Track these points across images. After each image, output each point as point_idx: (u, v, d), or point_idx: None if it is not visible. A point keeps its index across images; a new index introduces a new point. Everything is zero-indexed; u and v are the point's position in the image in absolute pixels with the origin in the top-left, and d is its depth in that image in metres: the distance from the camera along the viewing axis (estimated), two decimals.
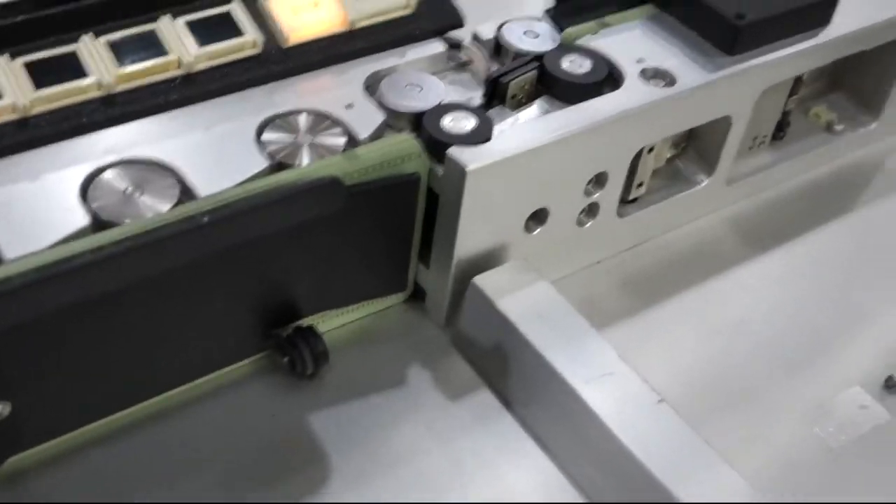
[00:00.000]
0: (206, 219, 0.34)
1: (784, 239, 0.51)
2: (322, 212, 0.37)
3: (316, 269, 0.41)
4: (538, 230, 0.44)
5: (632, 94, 0.44)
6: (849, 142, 0.55)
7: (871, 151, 0.57)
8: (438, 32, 0.45)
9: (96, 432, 0.39)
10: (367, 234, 0.41)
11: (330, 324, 0.44)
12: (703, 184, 0.49)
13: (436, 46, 0.45)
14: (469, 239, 0.42)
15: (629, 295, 0.47)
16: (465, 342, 0.44)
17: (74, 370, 0.37)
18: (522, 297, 0.42)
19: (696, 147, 0.50)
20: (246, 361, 0.42)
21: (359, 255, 0.42)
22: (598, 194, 0.45)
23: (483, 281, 0.42)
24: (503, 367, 0.42)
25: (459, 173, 0.40)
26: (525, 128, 0.42)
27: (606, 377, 0.39)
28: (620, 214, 0.47)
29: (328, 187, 0.37)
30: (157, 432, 0.40)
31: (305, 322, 0.42)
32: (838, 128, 0.55)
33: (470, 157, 0.40)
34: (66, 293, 0.33)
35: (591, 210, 0.46)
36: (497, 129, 0.42)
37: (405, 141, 0.40)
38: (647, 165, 0.47)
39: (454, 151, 0.40)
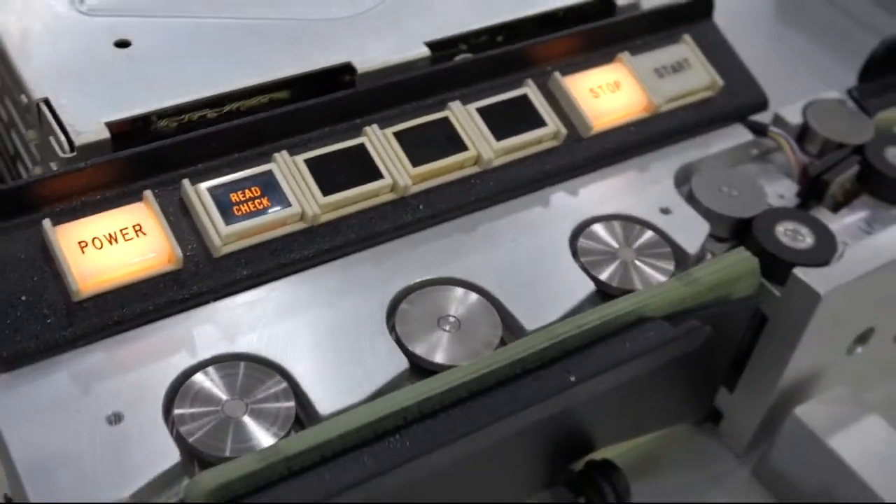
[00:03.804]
0: (572, 378, 0.28)
1: None
2: (678, 355, 0.31)
3: (624, 404, 0.35)
4: (859, 349, 0.38)
5: None
6: None
7: None
8: (741, 115, 0.39)
9: None
10: (685, 365, 0.35)
11: (615, 451, 0.38)
12: None
13: (739, 132, 0.39)
14: (798, 365, 0.36)
15: None
16: (774, 477, 0.38)
17: None
18: (855, 435, 0.36)
19: None
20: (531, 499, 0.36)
21: (670, 387, 0.36)
22: None
23: (807, 413, 0.36)
24: None
25: (809, 298, 0.34)
26: (869, 244, 0.36)
27: None
28: None
29: (694, 332, 0.31)
30: None
31: (596, 454, 0.37)
32: None
33: (821, 281, 0.34)
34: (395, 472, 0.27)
35: None
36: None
37: (745, 259, 0.34)
38: None
39: (801, 273, 0.34)
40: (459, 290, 0.32)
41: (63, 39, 0.34)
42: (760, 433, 0.38)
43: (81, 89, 0.33)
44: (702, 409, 0.38)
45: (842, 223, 0.38)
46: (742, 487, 0.38)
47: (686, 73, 0.38)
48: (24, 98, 0.33)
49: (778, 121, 0.40)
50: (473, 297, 0.32)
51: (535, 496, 0.37)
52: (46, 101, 0.32)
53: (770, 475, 0.38)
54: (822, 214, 0.38)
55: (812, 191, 0.38)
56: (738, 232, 0.36)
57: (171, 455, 0.27)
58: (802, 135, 0.40)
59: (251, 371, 0.29)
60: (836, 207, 0.38)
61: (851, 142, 0.39)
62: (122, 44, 0.35)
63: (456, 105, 0.35)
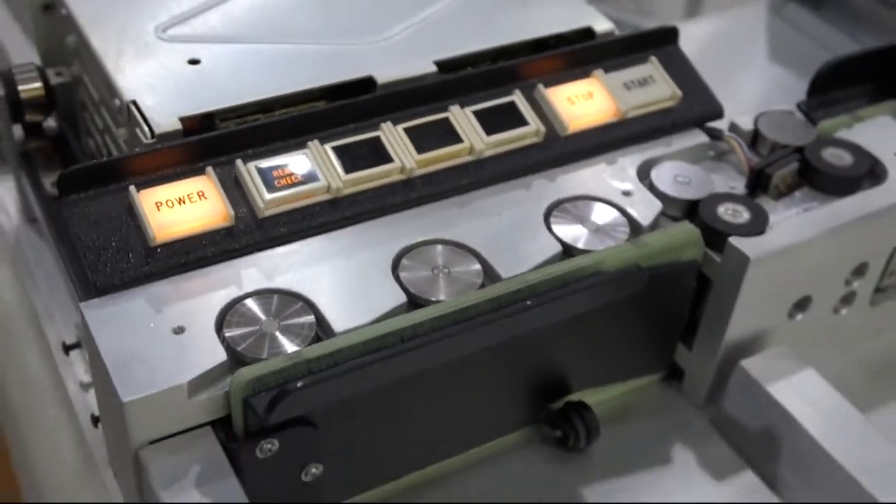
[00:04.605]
0: (528, 302, 0.36)
1: None
2: (623, 296, 0.39)
3: (592, 348, 0.43)
4: (799, 316, 0.45)
5: (894, 187, 0.45)
6: None
7: None
8: (700, 122, 0.47)
9: (383, 493, 0.41)
10: (643, 316, 0.43)
11: (590, 400, 0.45)
12: None
13: (697, 136, 0.47)
14: (740, 324, 0.43)
15: (881, 384, 0.48)
16: (728, 424, 0.45)
17: (377, 437, 0.39)
18: (793, 384, 0.43)
19: None
20: (516, 433, 0.44)
21: (632, 336, 0.43)
22: (856, 283, 0.46)
23: (751, 365, 0.44)
24: (771, 452, 0.43)
25: (741, 262, 0.41)
26: (799, 220, 0.43)
27: (888, 468, 0.40)
28: (872, 303, 0.48)
29: (634, 275, 0.38)
30: (435, 496, 0.42)
31: (574, 398, 0.44)
32: None
33: (751, 248, 0.41)
34: (391, 370, 0.36)
35: (848, 298, 0.47)
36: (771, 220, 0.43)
37: (688, 229, 0.42)
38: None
39: (735, 241, 0.41)
40: (450, 247, 0.40)
41: (148, 59, 0.44)
42: (716, 387, 0.45)
43: (161, 94, 0.42)
44: (663, 363, 0.46)
45: (783, 209, 0.45)
46: (700, 434, 0.45)
47: (650, 86, 0.46)
48: (117, 101, 0.42)
49: (733, 127, 0.48)
50: (461, 252, 0.40)
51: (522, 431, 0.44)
52: (134, 102, 0.42)
53: (724, 422, 0.45)
54: (766, 202, 0.45)
55: (757, 183, 0.46)
56: (689, 213, 0.44)
57: (220, 356, 0.35)
58: (754, 140, 0.48)
59: (283, 300, 0.38)
60: (778, 198, 0.46)
61: (795, 143, 0.47)
62: (194, 62, 0.44)
63: (455, 108, 0.43)
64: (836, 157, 0.46)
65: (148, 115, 0.41)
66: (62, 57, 0.49)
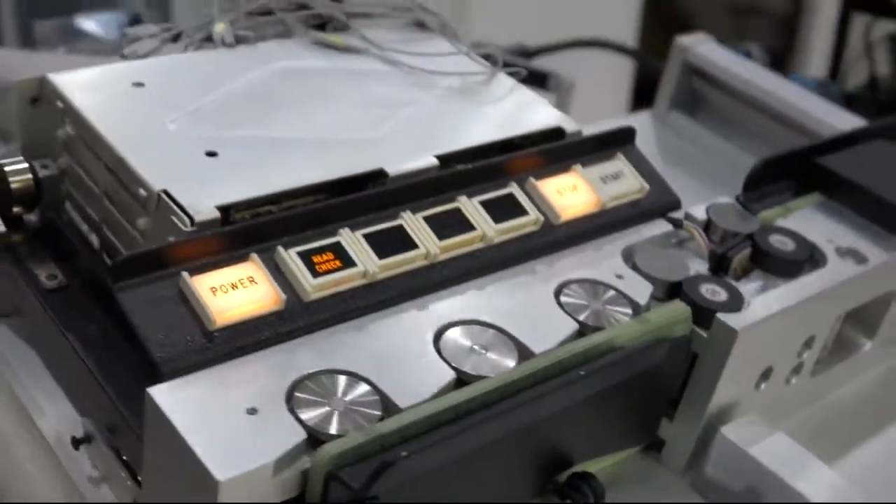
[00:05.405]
0: (582, 371, 0.39)
1: None
2: (644, 369, 0.43)
3: (597, 421, 0.46)
4: (763, 386, 0.50)
5: (836, 269, 0.51)
6: None
7: None
8: (664, 212, 0.52)
9: None
10: (642, 389, 0.46)
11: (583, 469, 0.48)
12: (867, 347, 0.57)
13: (662, 225, 0.52)
14: (720, 394, 0.48)
15: (821, 445, 0.53)
16: (710, 487, 0.49)
17: None
18: (770, 446, 0.48)
19: (859, 315, 0.57)
20: None
21: (630, 408, 0.47)
22: (805, 354, 0.52)
23: (731, 431, 0.48)
24: None
25: (729, 335, 0.46)
26: (766, 297, 0.49)
27: None
28: (813, 373, 0.54)
29: (657, 348, 0.42)
30: None
31: (576, 469, 0.47)
32: None
33: (737, 322, 0.46)
34: (473, 441, 0.38)
35: (797, 369, 0.52)
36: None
37: (681, 307, 0.46)
38: (834, 330, 0.54)
39: (723, 316, 0.46)
40: (480, 327, 0.43)
41: (165, 150, 0.45)
42: (694, 455, 0.50)
43: (185, 184, 0.43)
44: (651, 433, 0.49)
45: (742, 289, 0.51)
46: (685, 497, 0.49)
47: (622, 180, 0.51)
48: (142, 191, 0.43)
49: (688, 217, 0.53)
50: (492, 331, 0.43)
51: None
52: (166, 192, 0.42)
53: (706, 486, 0.49)
54: (724, 282, 0.51)
55: (719, 266, 0.51)
56: (671, 293, 0.49)
57: (299, 435, 0.36)
58: (706, 228, 0.53)
59: (347, 380, 0.39)
60: (736, 279, 0.51)
61: (743, 231, 0.53)
62: (211, 154, 0.45)
63: (463, 198, 0.46)
64: (782, 243, 0.52)
65: (184, 203, 0.42)
66: (48, 149, 0.49)
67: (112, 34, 1.04)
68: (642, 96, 1.48)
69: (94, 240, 0.48)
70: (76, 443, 0.44)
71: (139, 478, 0.42)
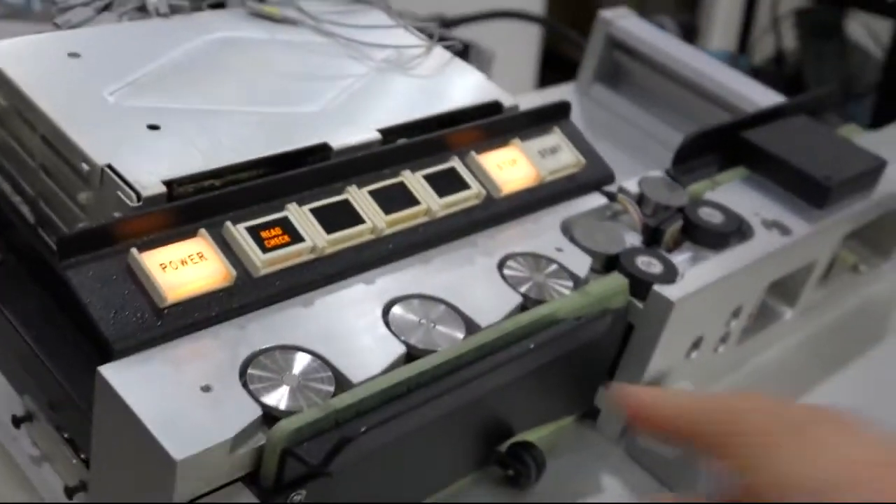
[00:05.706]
0: (532, 345, 0.40)
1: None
2: (588, 340, 0.44)
3: (538, 391, 0.47)
4: (694, 355, 0.52)
5: (762, 241, 0.53)
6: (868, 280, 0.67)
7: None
8: (598, 186, 0.53)
9: None
10: (581, 359, 0.48)
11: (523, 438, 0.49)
12: (788, 315, 0.59)
13: (597, 198, 0.53)
14: (655, 364, 0.49)
15: None
16: (643, 453, 0.50)
17: (379, 483, 0.41)
18: None
19: (781, 285, 0.59)
20: (469, 476, 0.47)
21: (568, 379, 0.48)
22: (733, 324, 0.53)
23: None
24: (685, 474, 0.49)
25: (665, 306, 0.47)
26: (699, 268, 0.50)
27: None
28: (739, 341, 0.56)
29: (602, 320, 0.43)
30: None
31: (516, 439, 0.48)
32: (862, 268, 0.66)
33: (673, 293, 0.47)
34: (427, 413, 0.38)
35: (725, 337, 0.54)
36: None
37: (619, 279, 0.47)
38: (759, 299, 0.56)
39: (659, 288, 0.47)
40: (428, 301, 0.43)
41: (107, 123, 0.44)
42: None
43: (129, 158, 0.42)
44: (588, 402, 0.51)
45: (675, 261, 0.52)
46: (619, 463, 0.51)
47: (560, 153, 0.52)
48: (84, 165, 0.42)
49: (622, 190, 0.54)
50: (440, 305, 0.43)
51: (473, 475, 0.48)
52: (110, 166, 0.41)
53: (639, 452, 0.51)
54: (658, 253, 0.52)
55: (652, 238, 0.52)
56: (608, 265, 0.50)
57: (255, 412, 0.36)
58: (640, 200, 0.54)
59: (300, 356, 0.39)
60: (668, 251, 0.53)
61: (674, 204, 0.54)
62: (153, 127, 0.45)
63: (407, 172, 0.47)
64: (711, 216, 0.54)
65: (129, 178, 0.41)
66: None
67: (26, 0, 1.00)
68: (551, 67, 1.50)
69: (26, 212, 0.47)
70: (17, 421, 0.43)
71: (83, 456, 0.42)
